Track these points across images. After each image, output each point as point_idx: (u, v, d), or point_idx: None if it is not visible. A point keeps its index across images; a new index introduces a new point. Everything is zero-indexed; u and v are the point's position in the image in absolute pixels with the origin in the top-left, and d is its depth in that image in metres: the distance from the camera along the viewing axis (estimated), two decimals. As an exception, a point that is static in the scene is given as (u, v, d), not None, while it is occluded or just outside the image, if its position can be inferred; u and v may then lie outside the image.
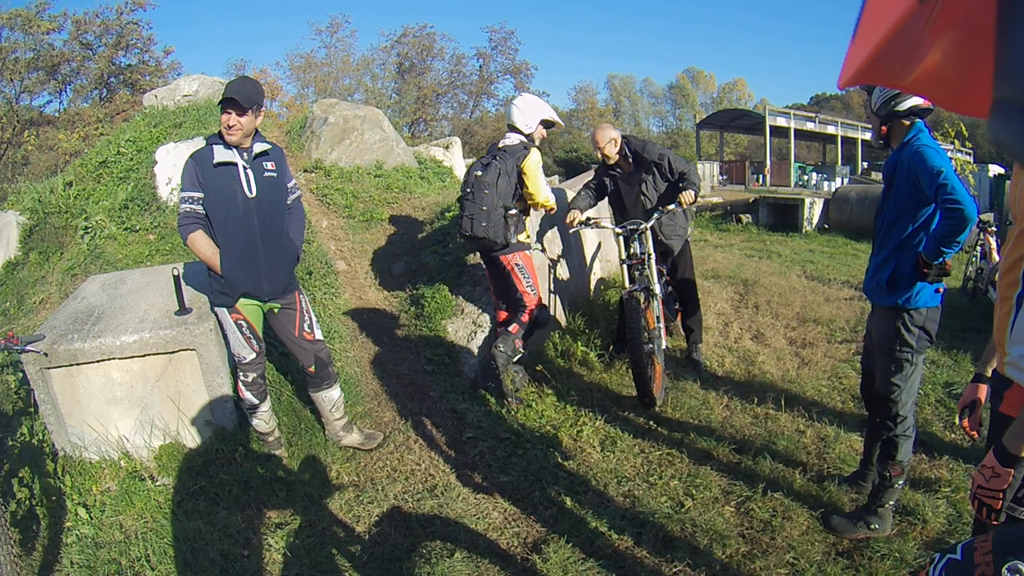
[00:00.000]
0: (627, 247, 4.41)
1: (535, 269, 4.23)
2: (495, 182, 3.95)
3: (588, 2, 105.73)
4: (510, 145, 4.13)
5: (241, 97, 3.01)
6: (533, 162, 4.06)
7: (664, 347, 4.33)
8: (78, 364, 3.10)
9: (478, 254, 4.72)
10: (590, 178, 5.08)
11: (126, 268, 4.42)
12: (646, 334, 4.04)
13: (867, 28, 0.71)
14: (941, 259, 2.49)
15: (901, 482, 2.80)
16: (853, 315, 5.94)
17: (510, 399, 4.07)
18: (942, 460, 3.41)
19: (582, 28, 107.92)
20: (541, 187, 4.11)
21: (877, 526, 2.81)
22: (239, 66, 30.48)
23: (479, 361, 4.58)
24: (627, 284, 4.32)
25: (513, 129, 4.19)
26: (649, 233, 4.34)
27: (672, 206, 4.36)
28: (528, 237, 4.23)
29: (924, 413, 3.94)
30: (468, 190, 4.03)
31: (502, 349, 4.00)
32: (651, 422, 3.92)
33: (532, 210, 4.32)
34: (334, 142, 7.08)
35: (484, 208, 3.92)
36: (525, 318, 4.12)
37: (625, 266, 4.39)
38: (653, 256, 4.33)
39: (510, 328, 4.10)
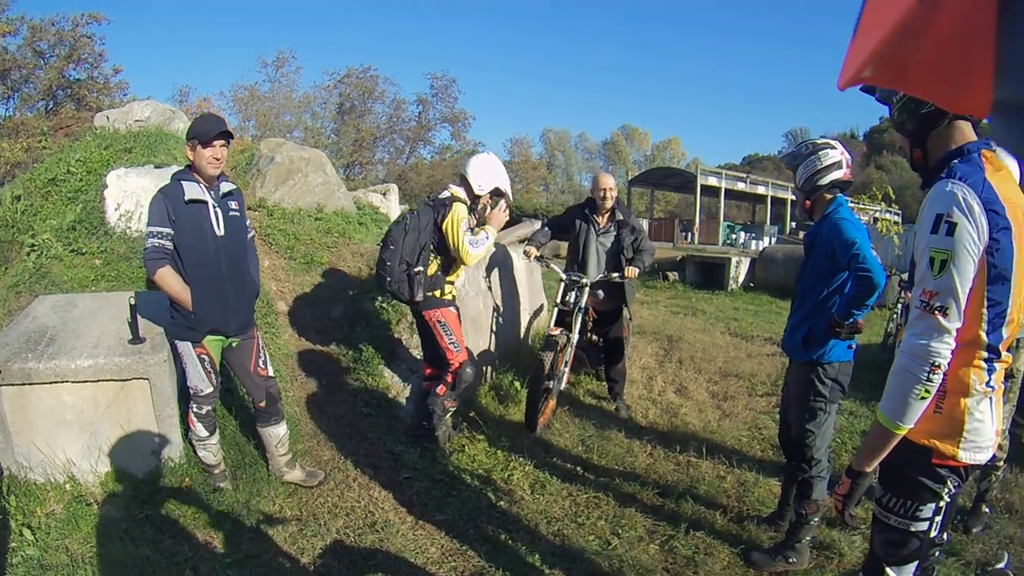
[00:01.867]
0: (564, 295, 4.80)
1: (459, 325, 4.24)
2: (401, 239, 3.97)
3: (529, 55, 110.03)
4: (439, 198, 4.13)
5: (228, 130, 3.22)
6: (455, 218, 3.95)
7: (563, 387, 4.80)
8: (31, 384, 3.11)
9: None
10: (555, 216, 5.44)
11: (71, 291, 4.39)
12: (550, 371, 4.46)
13: (867, 28, 0.72)
14: (852, 319, 2.84)
15: (816, 519, 3.10)
16: (774, 370, 6.33)
17: (442, 445, 4.26)
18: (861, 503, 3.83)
19: (521, 80, 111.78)
20: (464, 245, 3.94)
21: (795, 559, 3.09)
22: (184, 92, 29.57)
23: (414, 407, 4.77)
24: (552, 325, 4.75)
25: (462, 181, 4.16)
26: (588, 289, 4.72)
27: (616, 275, 4.79)
28: (451, 294, 4.20)
29: (842, 459, 4.24)
30: (380, 243, 4.12)
31: (435, 411, 4.21)
32: (578, 468, 4.16)
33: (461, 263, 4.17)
34: (278, 182, 7.15)
35: (389, 264, 3.97)
36: (450, 378, 4.20)
37: (556, 310, 4.80)
38: (583, 310, 4.72)
39: (437, 389, 4.22)
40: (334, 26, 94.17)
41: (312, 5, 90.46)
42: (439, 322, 4.13)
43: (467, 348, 4.34)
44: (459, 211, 3.99)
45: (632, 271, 4.80)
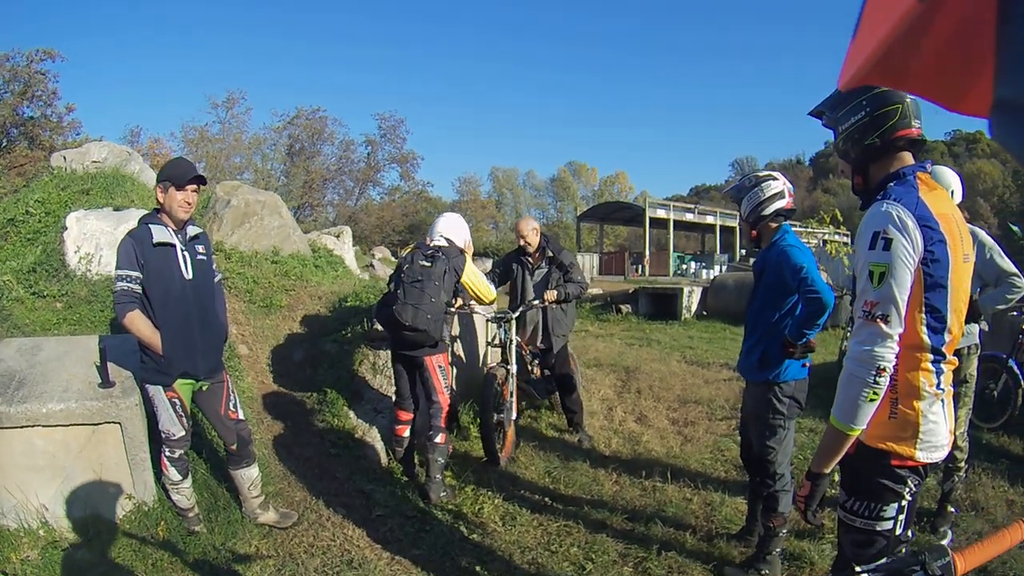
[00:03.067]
0: (496, 331, 5.11)
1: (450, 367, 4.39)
2: (442, 276, 3.98)
3: (474, 95, 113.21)
4: (444, 246, 4.17)
5: (201, 175, 3.31)
6: (471, 267, 4.23)
7: (515, 418, 4.88)
8: (1, 428, 3.09)
9: (381, 346, 5.01)
10: (497, 261, 5.70)
11: (34, 334, 4.33)
12: (498, 404, 4.66)
13: (867, 28, 0.71)
14: (804, 339, 2.98)
15: (784, 531, 3.22)
16: (732, 394, 6.48)
17: (444, 495, 4.15)
18: (824, 512, 3.95)
19: (469, 120, 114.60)
20: (487, 286, 4.34)
21: (767, 571, 3.19)
22: (135, 132, 29.04)
23: (384, 445, 4.81)
24: (489, 361, 5.09)
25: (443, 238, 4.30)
26: (514, 322, 4.92)
27: (536, 301, 5.02)
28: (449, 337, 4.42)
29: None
30: (418, 279, 3.96)
31: (441, 461, 4.12)
32: (546, 498, 4.25)
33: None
34: (235, 225, 7.11)
35: (433, 300, 3.92)
36: (443, 423, 4.18)
37: (489, 347, 5.15)
38: (515, 342, 4.91)
39: (437, 440, 4.11)
40: (282, 63, 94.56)
41: (259, 42, 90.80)
42: (439, 367, 4.17)
43: None
44: (468, 259, 4.28)
45: (550, 294, 5.02)
